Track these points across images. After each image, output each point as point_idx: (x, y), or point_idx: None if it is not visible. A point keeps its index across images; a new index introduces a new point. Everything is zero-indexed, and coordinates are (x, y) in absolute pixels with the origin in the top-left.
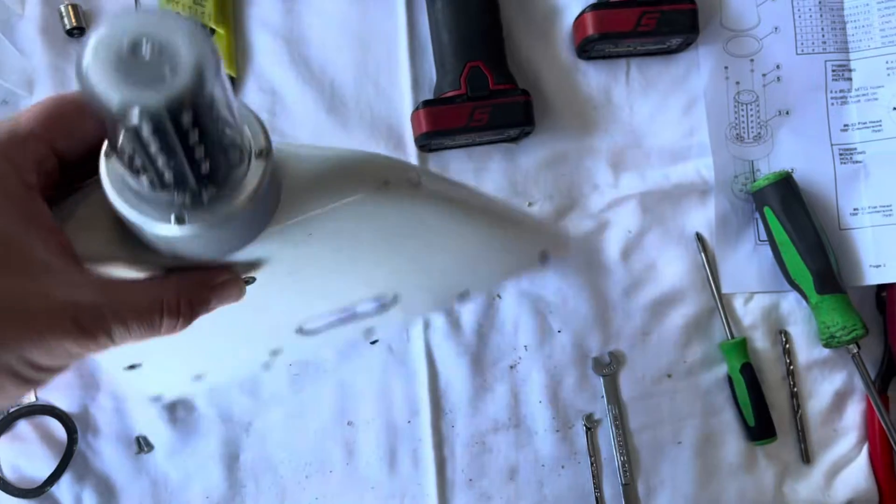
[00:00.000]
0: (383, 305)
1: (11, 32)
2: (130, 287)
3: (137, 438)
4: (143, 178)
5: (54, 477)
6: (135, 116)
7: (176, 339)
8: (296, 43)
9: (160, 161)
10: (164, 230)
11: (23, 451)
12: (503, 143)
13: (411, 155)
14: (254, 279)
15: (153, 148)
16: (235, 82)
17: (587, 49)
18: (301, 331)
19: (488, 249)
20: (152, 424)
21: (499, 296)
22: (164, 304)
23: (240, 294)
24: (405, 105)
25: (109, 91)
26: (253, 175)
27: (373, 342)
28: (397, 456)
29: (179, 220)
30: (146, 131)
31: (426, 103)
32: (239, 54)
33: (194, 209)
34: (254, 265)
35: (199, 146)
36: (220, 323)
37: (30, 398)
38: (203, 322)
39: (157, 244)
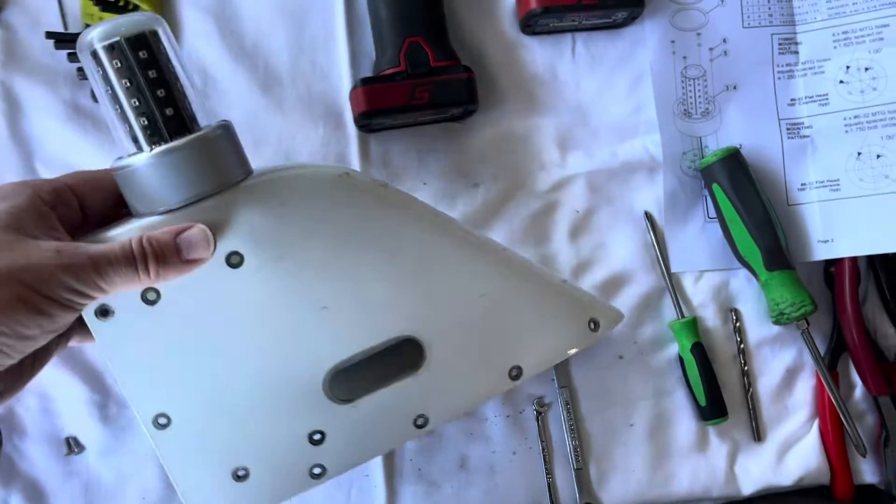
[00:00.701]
0: (412, 362)
1: None
2: (88, 245)
3: (67, 439)
4: (115, 110)
5: None
6: (96, 44)
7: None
8: (227, 20)
9: (126, 88)
10: (135, 161)
11: None
12: (447, 123)
13: (351, 136)
14: (241, 257)
15: (121, 78)
16: None
17: (531, 24)
18: (336, 392)
19: (531, 312)
20: (83, 424)
21: None
22: (121, 246)
23: (207, 245)
24: (344, 83)
25: (90, 32)
26: (211, 131)
27: (420, 426)
28: None
29: (138, 146)
30: (112, 60)
31: (364, 81)
32: None
33: (153, 142)
34: (238, 235)
35: (154, 85)
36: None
37: None
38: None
39: (130, 189)
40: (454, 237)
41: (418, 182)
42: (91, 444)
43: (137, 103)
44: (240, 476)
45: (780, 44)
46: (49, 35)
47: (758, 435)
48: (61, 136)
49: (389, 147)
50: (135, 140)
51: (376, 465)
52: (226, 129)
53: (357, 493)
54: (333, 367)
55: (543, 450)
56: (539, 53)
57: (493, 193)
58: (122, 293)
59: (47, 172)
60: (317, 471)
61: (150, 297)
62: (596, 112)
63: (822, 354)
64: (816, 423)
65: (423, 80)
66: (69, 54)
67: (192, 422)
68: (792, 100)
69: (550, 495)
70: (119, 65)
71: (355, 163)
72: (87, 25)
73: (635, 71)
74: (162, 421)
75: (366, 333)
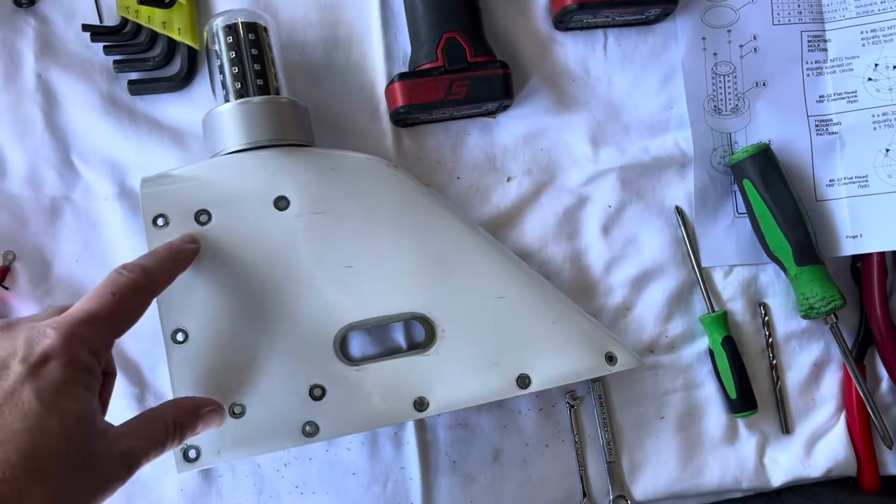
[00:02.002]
0: (422, 344)
1: None
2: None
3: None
4: (219, 75)
5: None
6: (219, 24)
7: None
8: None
9: (234, 59)
10: (222, 108)
11: None
12: (480, 118)
13: (386, 130)
14: (287, 202)
15: (230, 50)
16: (197, 54)
17: (565, 20)
18: (344, 352)
19: (547, 326)
20: (122, 416)
21: None
22: (165, 426)
23: (221, 420)
24: (378, 78)
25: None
26: (285, 100)
27: (420, 409)
28: (378, 441)
29: (227, 98)
30: (227, 36)
31: (402, 76)
32: (202, 24)
33: (240, 97)
34: (289, 182)
35: (252, 60)
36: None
37: None
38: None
39: (211, 131)
40: (484, 241)
41: (452, 176)
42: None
43: (236, 70)
44: (235, 412)
45: (809, 41)
46: (85, 28)
47: (786, 427)
48: (98, 129)
49: (423, 141)
50: (226, 98)
51: (412, 458)
52: (297, 105)
53: (393, 486)
54: (347, 325)
55: (576, 443)
56: (571, 49)
57: (526, 188)
58: (178, 208)
59: (84, 165)
60: (309, 429)
61: (201, 219)
62: (627, 108)
63: (849, 348)
64: (843, 415)
65: (461, 75)
66: (105, 47)
67: (206, 345)
68: (821, 97)
69: (583, 488)
70: (230, 40)
71: (389, 157)
72: (123, 18)
73: (666, 67)
74: (180, 337)
75: (384, 301)
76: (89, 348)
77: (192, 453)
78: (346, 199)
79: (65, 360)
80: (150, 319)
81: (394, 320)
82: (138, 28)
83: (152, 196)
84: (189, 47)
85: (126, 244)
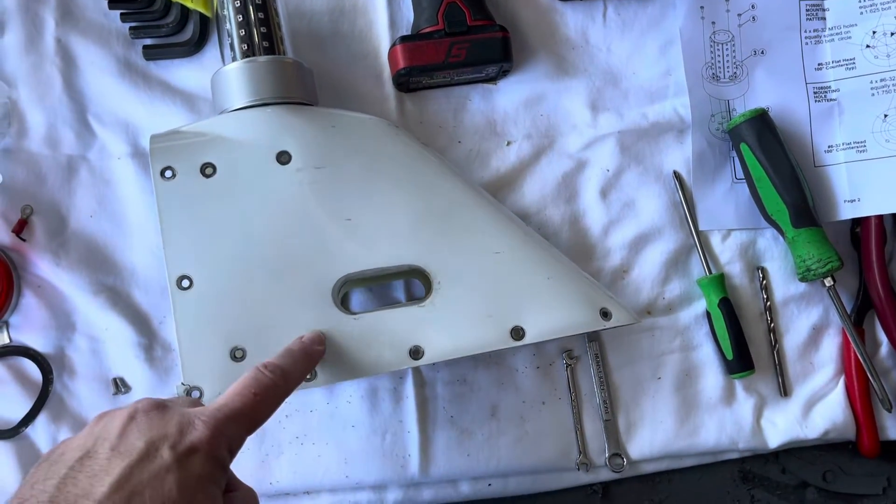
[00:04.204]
0: (420, 298)
1: None
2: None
3: (114, 379)
4: (227, 37)
5: (29, 418)
6: None
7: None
8: None
9: (241, 22)
10: (229, 66)
11: None
12: (481, 84)
13: (389, 96)
14: (289, 157)
15: (237, 13)
16: (209, 21)
17: None
18: (344, 303)
19: (541, 281)
20: (129, 365)
21: None
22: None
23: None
24: (382, 45)
25: None
26: (289, 60)
27: (415, 357)
28: (378, 394)
29: (235, 59)
30: (235, 1)
31: (403, 39)
32: None
33: (247, 57)
34: (291, 138)
35: (259, 24)
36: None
37: (3, 339)
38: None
39: (219, 88)
40: (482, 199)
41: (453, 140)
42: (137, 384)
43: (243, 33)
44: (236, 356)
45: (807, 10)
46: None
47: (784, 390)
48: (114, 92)
49: (425, 106)
50: (234, 59)
51: (410, 412)
52: (301, 65)
53: (391, 438)
54: (346, 276)
55: (573, 401)
56: (571, 18)
57: (526, 152)
58: (185, 161)
59: (99, 126)
60: (308, 374)
61: (207, 172)
62: (626, 75)
63: (847, 312)
64: (842, 379)
65: (461, 38)
66: (122, 14)
67: (210, 291)
68: (819, 64)
69: (579, 445)
70: (238, 4)
71: (392, 121)
72: None
73: (665, 35)
74: (185, 283)
75: (381, 253)
76: (229, 445)
77: (195, 394)
78: (346, 154)
79: (208, 456)
80: (160, 272)
81: (391, 272)
82: None
83: (161, 150)
84: (201, 15)
85: (138, 201)
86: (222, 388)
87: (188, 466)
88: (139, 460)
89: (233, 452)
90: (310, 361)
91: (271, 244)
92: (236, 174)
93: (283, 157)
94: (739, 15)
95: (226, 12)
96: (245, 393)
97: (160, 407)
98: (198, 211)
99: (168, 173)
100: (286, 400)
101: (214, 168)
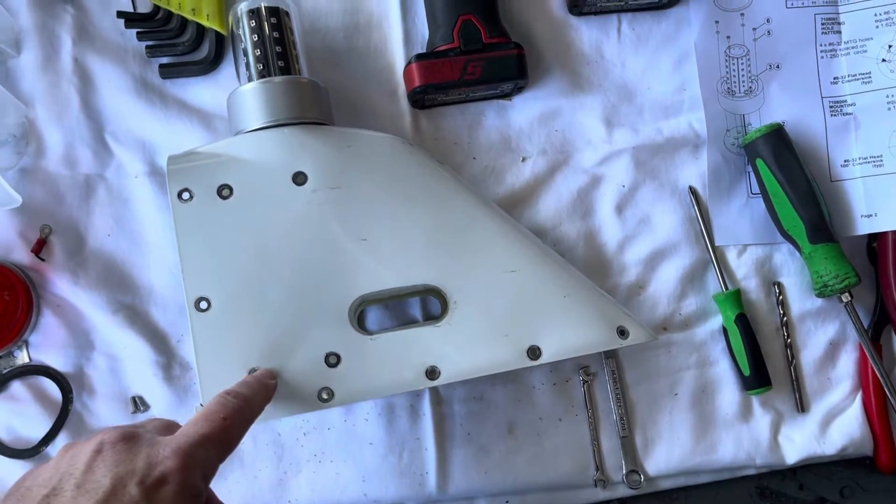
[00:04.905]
0: (436, 316)
1: None
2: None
3: (133, 398)
4: (243, 57)
5: (49, 437)
6: (243, 9)
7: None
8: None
9: (257, 42)
10: (245, 87)
11: (17, 412)
12: (496, 100)
13: (404, 112)
14: (305, 177)
15: (253, 33)
16: (225, 39)
17: (579, 4)
18: (360, 323)
19: (558, 300)
20: (148, 384)
21: None
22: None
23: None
24: (397, 62)
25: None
26: (305, 80)
27: (431, 377)
28: (395, 412)
29: (250, 79)
30: (250, 20)
31: (419, 57)
32: (229, 11)
33: (262, 77)
34: (307, 159)
35: (274, 43)
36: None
37: (23, 358)
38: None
39: (234, 109)
40: (497, 216)
41: (468, 157)
42: (156, 403)
43: (259, 52)
44: None
45: (822, 23)
46: (120, 14)
47: (801, 406)
48: (130, 111)
49: (440, 123)
50: (249, 79)
51: (427, 429)
52: (317, 85)
53: (409, 456)
54: (362, 296)
55: (589, 417)
56: (586, 33)
57: (541, 168)
58: (202, 183)
59: (116, 144)
60: (325, 395)
61: (224, 193)
62: (641, 90)
63: (865, 327)
64: (860, 395)
65: (476, 55)
66: (138, 33)
67: (228, 312)
68: (835, 78)
69: (596, 462)
70: (253, 24)
71: (407, 138)
72: (155, 5)
73: (679, 50)
74: (203, 305)
75: (397, 273)
76: (202, 472)
77: None
78: (362, 174)
79: (179, 487)
80: (178, 292)
81: (407, 291)
82: (169, 15)
83: (178, 171)
84: (217, 33)
85: (155, 219)
86: None
87: (157, 500)
88: (105, 498)
89: (207, 479)
90: (266, 392)
91: (288, 265)
92: (253, 196)
93: (300, 178)
94: (754, 29)
95: (241, 31)
96: (214, 419)
97: (128, 438)
98: (215, 233)
99: (185, 195)
100: (304, 418)
101: (231, 190)
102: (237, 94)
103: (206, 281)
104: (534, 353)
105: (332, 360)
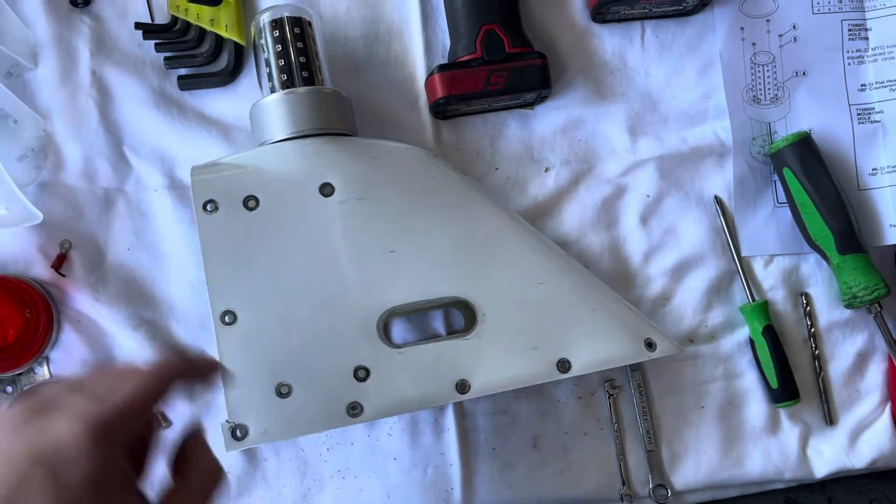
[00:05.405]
0: (460, 330)
1: (14, 2)
2: None
3: (155, 414)
4: (265, 69)
5: None
6: (265, 19)
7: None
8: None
9: (280, 52)
10: (269, 98)
11: None
12: (518, 109)
13: (425, 122)
14: (332, 189)
15: (276, 43)
16: (244, 50)
17: (602, 11)
18: (387, 336)
19: (586, 312)
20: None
21: None
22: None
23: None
24: (418, 71)
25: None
26: (328, 91)
27: (461, 391)
28: (419, 426)
29: (273, 90)
30: (273, 30)
31: (441, 68)
32: (248, 21)
33: (286, 88)
34: (334, 170)
35: (298, 53)
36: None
37: (44, 375)
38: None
39: (258, 120)
40: (523, 228)
41: (490, 167)
42: (177, 419)
43: (282, 63)
44: (282, 392)
45: (849, 30)
46: (138, 26)
47: (830, 418)
48: (149, 123)
49: (462, 133)
50: (272, 90)
51: (452, 444)
52: (341, 95)
53: (433, 471)
54: (390, 308)
55: (615, 431)
56: (609, 41)
57: (564, 178)
58: (228, 194)
59: (135, 158)
60: (354, 409)
61: (250, 205)
62: (665, 98)
63: (894, 338)
64: (888, 406)
65: (499, 66)
66: (156, 44)
67: (254, 326)
68: (862, 85)
69: (622, 476)
70: (276, 34)
71: (429, 148)
72: (173, 16)
73: (704, 58)
74: (228, 318)
75: (426, 285)
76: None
77: (239, 432)
78: (388, 186)
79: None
80: (199, 306)
81: (435, 304)
82: (187, 26)
83: (202, 183)
84: (235, 43)
85: (175, 233)
86: (268, 425)
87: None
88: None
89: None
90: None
91: (315, 277)
92: (280, 207)
93: (327, 189)
94: (780, 36)
95: (263, 42)
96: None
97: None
98: (241, 245)
99: (210, 207)
100: (327, 434)
101: (257, 201)
102: (261, 105)
103: (232, 294)
104: (563, 366)
105: (361, 374)
